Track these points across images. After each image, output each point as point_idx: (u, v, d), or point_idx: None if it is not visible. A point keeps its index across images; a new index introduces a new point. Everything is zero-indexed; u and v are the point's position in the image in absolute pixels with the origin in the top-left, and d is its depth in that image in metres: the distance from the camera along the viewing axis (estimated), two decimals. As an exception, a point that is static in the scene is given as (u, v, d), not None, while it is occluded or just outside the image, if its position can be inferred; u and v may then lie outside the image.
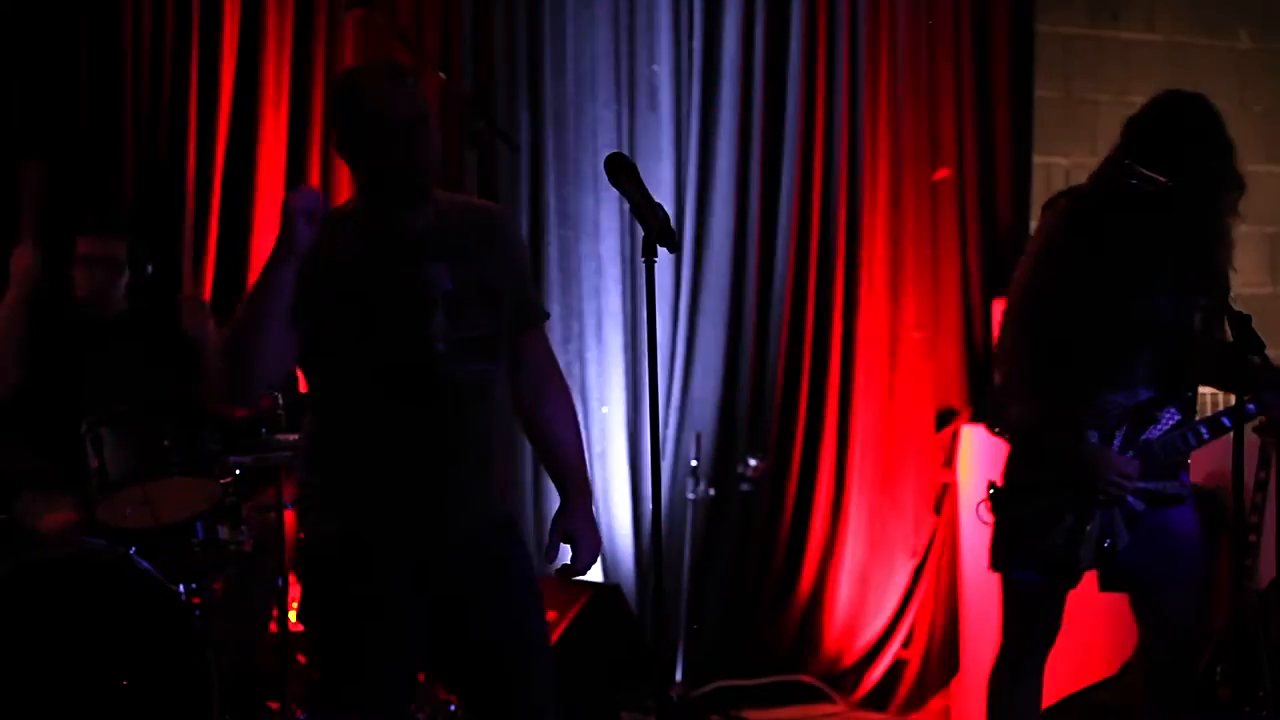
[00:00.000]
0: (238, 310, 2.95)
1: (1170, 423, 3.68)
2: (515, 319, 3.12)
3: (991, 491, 3.77)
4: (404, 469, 2.98)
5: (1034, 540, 3.69)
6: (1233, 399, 3.53)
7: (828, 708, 5.96)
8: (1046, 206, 3.81)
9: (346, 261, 2.97)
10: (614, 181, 2.94)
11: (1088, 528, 3.67)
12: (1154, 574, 3.71)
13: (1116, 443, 3.66)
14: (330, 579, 3.01)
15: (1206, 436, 3.69)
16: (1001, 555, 3.78)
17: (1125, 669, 4.85)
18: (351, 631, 2.97)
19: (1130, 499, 3.66)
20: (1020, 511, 3.72)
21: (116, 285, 4.85)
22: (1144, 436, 3.68)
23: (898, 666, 6.06)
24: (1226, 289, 3.71)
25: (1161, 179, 3.44)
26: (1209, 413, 3.81)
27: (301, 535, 3.10)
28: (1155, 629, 3.76)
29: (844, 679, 6.07)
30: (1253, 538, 4.42)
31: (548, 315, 3.28)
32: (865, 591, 6.11)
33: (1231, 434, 3.34)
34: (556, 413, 3.21)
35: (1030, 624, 3.80)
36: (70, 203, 5.11)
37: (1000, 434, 3.81)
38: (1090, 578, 3.82)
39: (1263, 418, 4.46)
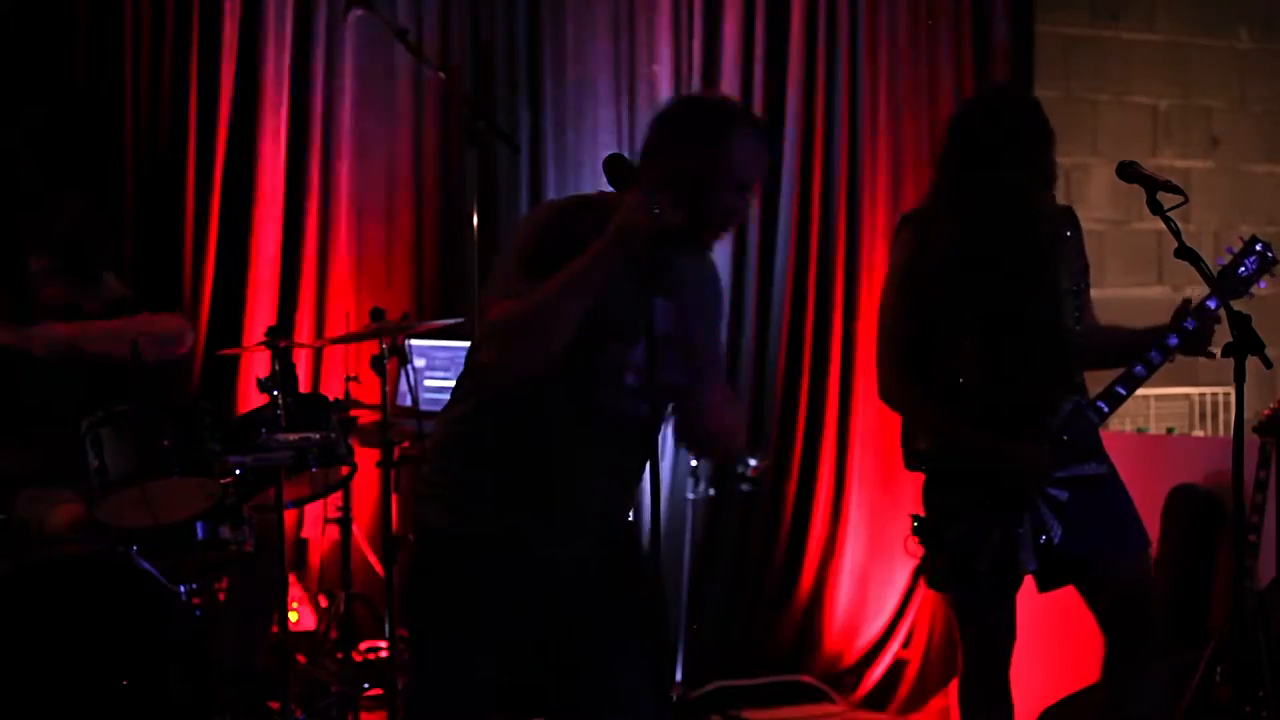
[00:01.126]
0: (540, 291, 2.81)
1: (1069, 409, 3.70)
2: (700, 373, 3.07)
3: (916, 524, 3.78)
4: (551, 485, 2.96)
5: (973, 558, 3.70)
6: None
7: (828, 708, 5.96)
8: (893, 239, 3.87)
9: (557, 257, 2.86)
10: (612, 183, 2.92)
11: (1020, 531, 3.68)
12: (1088, 554, 3.72)
13: (1026, 441, 3.68)
14: (445, 574, 2.98)
15: (1106, 410, 3.72)
16: (943, 577, 3.80)
17: (1125, 669, 4.85)
18: (463, 630, 2.95)
19: (1052, 490, 3.68)
20: (951, 534, 3.72)
21: (47, 298, 4.77)
22: (1047, 427, 3.69)
23: (898, 666, 6.06)
24: (1084, 269, 3.80)
25: (1161, 178, 3.44)
26: (1205, 410, 3.82)
27: (421, 516, 3.04)
28: (1104, 606, 3.76)
29: (844, 679, 6.07)
30: (1253, 538, 4.43)
31: (726, 372, 3.23)
32: (865, 591, 6.11)
33: (1233, 432, 3.34)
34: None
35: (989, 637, 3.80)
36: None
37: (915, 469, 3.83)
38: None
39: (1267, 409, 4.48)
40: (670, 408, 3.04)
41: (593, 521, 3.02)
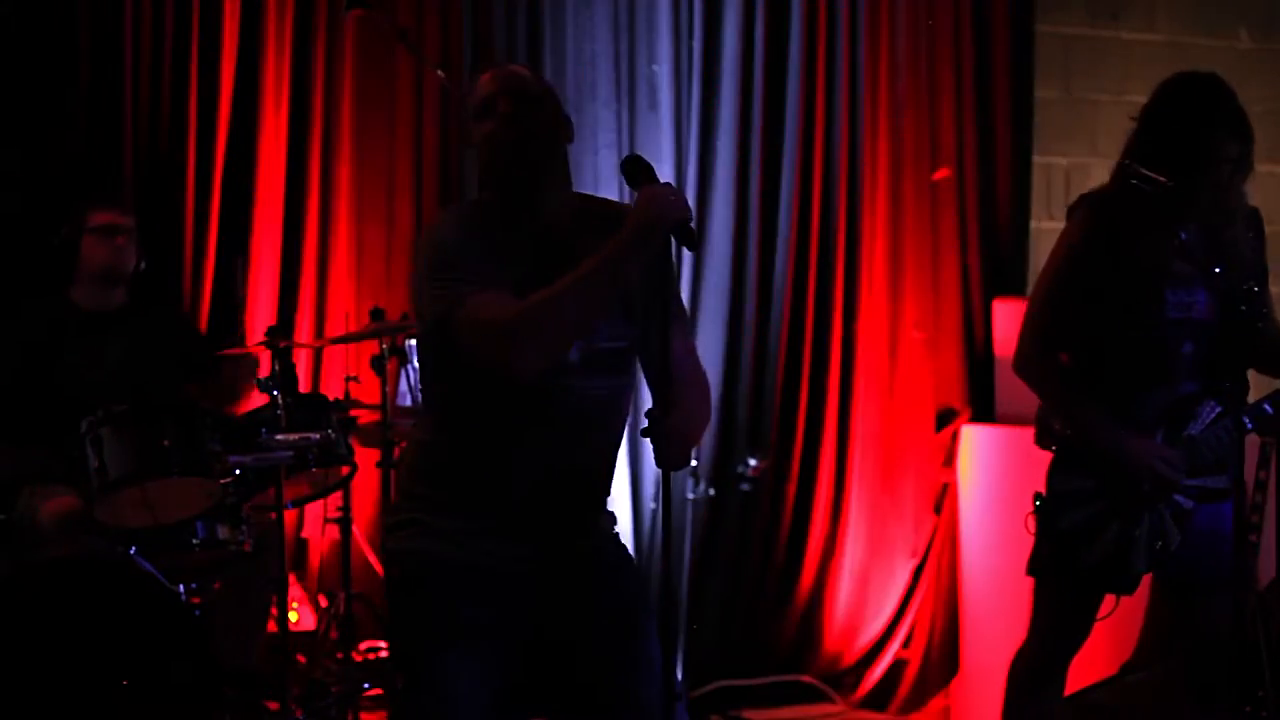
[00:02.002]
0: (562, 284, 2.79)
1: (1211, 416, 3.63)
2: (656, 326, 2.98)
3: (1037, 502, 3.72)
4: (520, 488, 2.92)
5: (1085, 549, 3.65)
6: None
7: (828, 708, 5.96)
8: (1068, 214, 3.76)
9: (488, 253, 2.87)
10: (632, 184, 2.92)
11: (1136, 532, 3.63)
12: (1202, 575, 3.68)
13: (1158, 440, 3.63)
14: (426, 599, 2.94)
15: (1250, 426, 3.61)
16: (1049, 563, 3.73)
17: (1124, 669, 4.85)
18: (446, 655, 2.91)
19: (1178, 496, 3.62)
20: (1068, 521, 3.67)
21: (130, 259, 4.87)
22: (1186, 432, 3.64)
23: (898, 666, 6.06)
24: (1262, 272, 3.67)
25: (1161, 179, 3.42)
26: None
27: (390, 546, 3.00)
28: (1197, 630, 3.73)
29: (844, 679, 6.07)
30: (1253, 537, 4.42)
31: (690, 329, 3.12)
32: (865, 591, 6.11)
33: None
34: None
35: (1067, 631, 3.75)
36: (70, 203, 5.12)
37: (1046, 447, 3.76)
38: None
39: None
40: (627, 376, 2.98)
41: (564, 518, 2.97)
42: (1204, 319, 3.63)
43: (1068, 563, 3.67)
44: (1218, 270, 3.62)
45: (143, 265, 4.99)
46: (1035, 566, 3.78)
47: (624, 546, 3.11)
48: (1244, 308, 3.57)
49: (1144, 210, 3.58)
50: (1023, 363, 3.70)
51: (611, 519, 3.12)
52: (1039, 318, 3.68)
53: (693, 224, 2.84)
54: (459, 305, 2.83)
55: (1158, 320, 3.59)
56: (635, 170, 2.91)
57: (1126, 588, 3.71)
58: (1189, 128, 3.57)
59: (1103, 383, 3.64)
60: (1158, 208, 3.57)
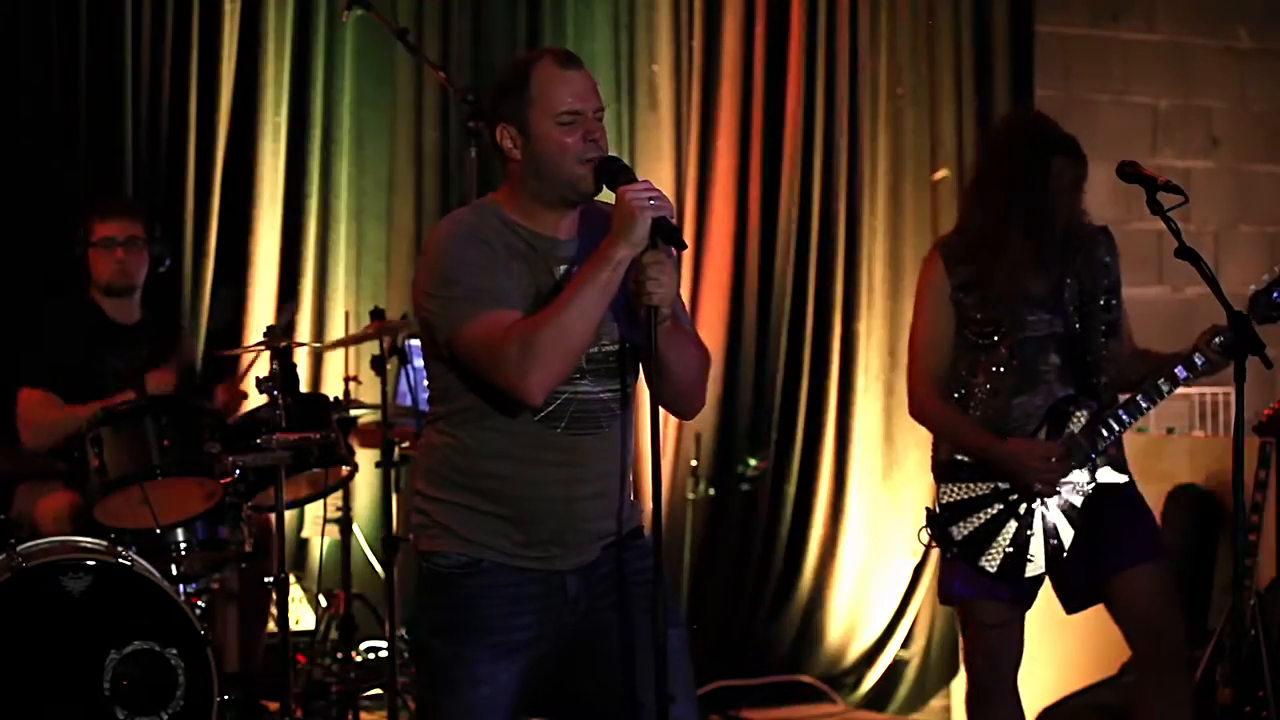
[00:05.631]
0: (555, 305, 2.79)
1: (1088, 414, 3.72)
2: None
3: (929, 515, 3.79)
4: (535, 491, 2.91)
5: (982, 556, 3.70)
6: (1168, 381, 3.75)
7: (828, 708, 5.96)
8: (923, 262, 3.91)
9: (492, 266, 2.86)
10: (610, 187, 2.89)
11: (1029, 532, 3.69)
12: (1105, 564, 3.73)
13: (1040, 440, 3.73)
14: (452, 604, 2.92)
15: (1127, 420, 3.73)
16: (953, 582, 3.80)
17: (1125, 669, 4.86)
18: (471, 657, 2.90)
19: (1068, 495, 3.70)
20: (961, 531, 3.74)
21: (141, 267, 4.84)
22: (1066, 431, 3.72)
23: (898, 666, 6.06)
24: (1115, 287, 3.84)
25: (1161, 179, 3.44)
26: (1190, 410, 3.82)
27: (420, 548, 2.98)
28: (1125, 619, 3.76)
29: (844, 679, 6.08)
30: (1253, 537, 4.43)
31: (692, 324, 3.10)
32: (865, 591, 6.11)
33: (1233, 432, 3.34)
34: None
35: (994, 651, 3.78)
36: (73, 204, 5.12)
37: (938, 478, 3.85)
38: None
39: (1267, 409, 4.48)
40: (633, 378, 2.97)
41: (583, 524, 2.95)
42: (1064, 333, 3.76)
43: (971, 573, 3.73)
44: (1069, 284, 3.77)
45: (166, 264, 4.97)
46: (944, 594, 3.85)
47: (650, 555, 2.99)
48: (1099, 322, 3.76)
49: (990, 241, 3.73)
50: (915, 406, 3.84)
51: (636, 525, 3.06)
52: (919, 360, 3.82)
53: (673, 219, 2.83)
54: (460, 328, 2.83)
55: (1022, 340, 3.73)
56: (611, 172, 2.88)
57: (1027, 595, 3.76)
58: (1028, 152, 3.73)
59: (982, 402, 3.75)
60: (1002, 235, 3.72)
